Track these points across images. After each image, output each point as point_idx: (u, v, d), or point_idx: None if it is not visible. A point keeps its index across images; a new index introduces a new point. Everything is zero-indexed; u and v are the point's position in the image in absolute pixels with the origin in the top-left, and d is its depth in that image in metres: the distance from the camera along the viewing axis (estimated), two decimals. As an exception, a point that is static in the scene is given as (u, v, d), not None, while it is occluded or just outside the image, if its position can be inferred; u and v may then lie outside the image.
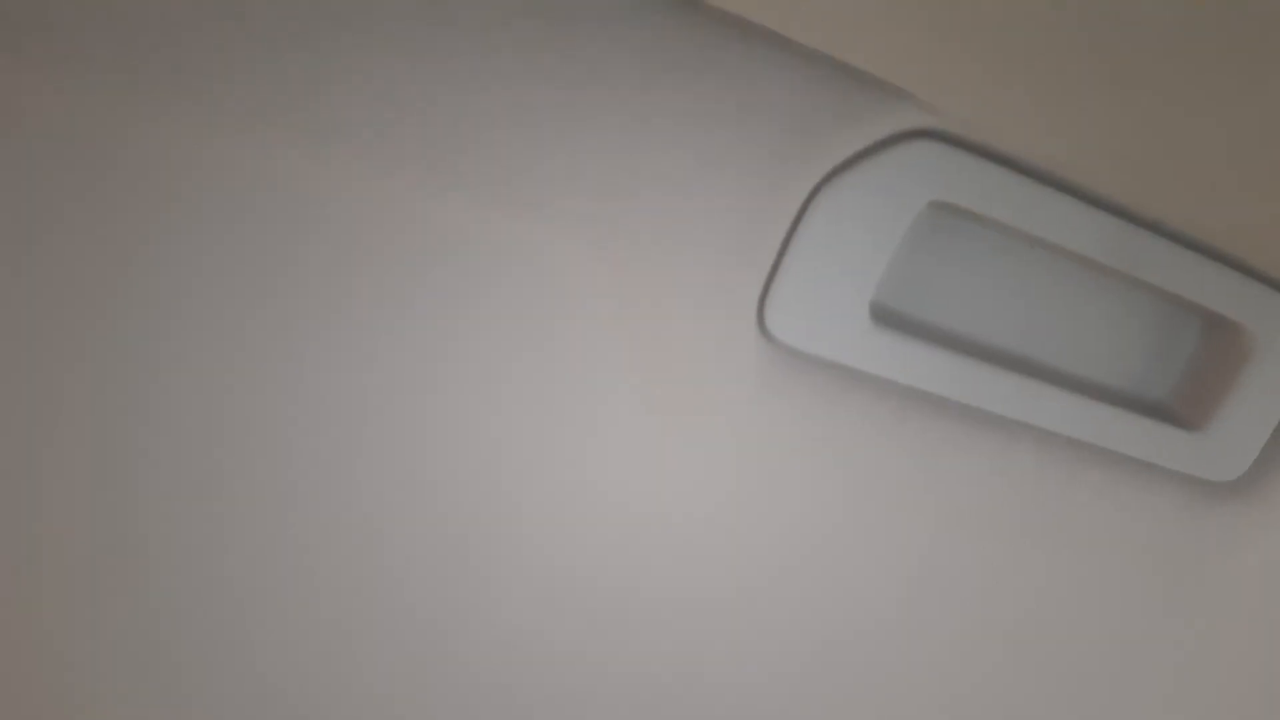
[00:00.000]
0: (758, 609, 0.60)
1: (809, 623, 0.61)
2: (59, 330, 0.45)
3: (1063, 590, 0.65)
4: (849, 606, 0.62)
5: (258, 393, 0.47)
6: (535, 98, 0.44)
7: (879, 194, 0.50)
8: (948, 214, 0.55)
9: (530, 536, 0.54)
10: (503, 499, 0.53)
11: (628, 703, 0.60)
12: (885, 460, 0.57)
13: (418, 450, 0.51)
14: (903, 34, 0.43)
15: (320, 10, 0.41)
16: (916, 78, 0.46)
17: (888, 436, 0.57)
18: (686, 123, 0.46)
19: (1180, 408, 0.63)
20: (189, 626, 0.51)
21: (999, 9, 0.41)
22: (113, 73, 0.41)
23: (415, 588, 0.54)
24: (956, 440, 0.58)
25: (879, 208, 0.50)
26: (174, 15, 0.40)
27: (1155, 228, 0.56)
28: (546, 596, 0.56)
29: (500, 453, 0.52)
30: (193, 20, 0.40)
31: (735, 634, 0.60)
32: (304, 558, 0.51)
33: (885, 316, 0.56)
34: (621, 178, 0.47)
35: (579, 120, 0.45)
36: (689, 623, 0.59)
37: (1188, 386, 0.63)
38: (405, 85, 0.43)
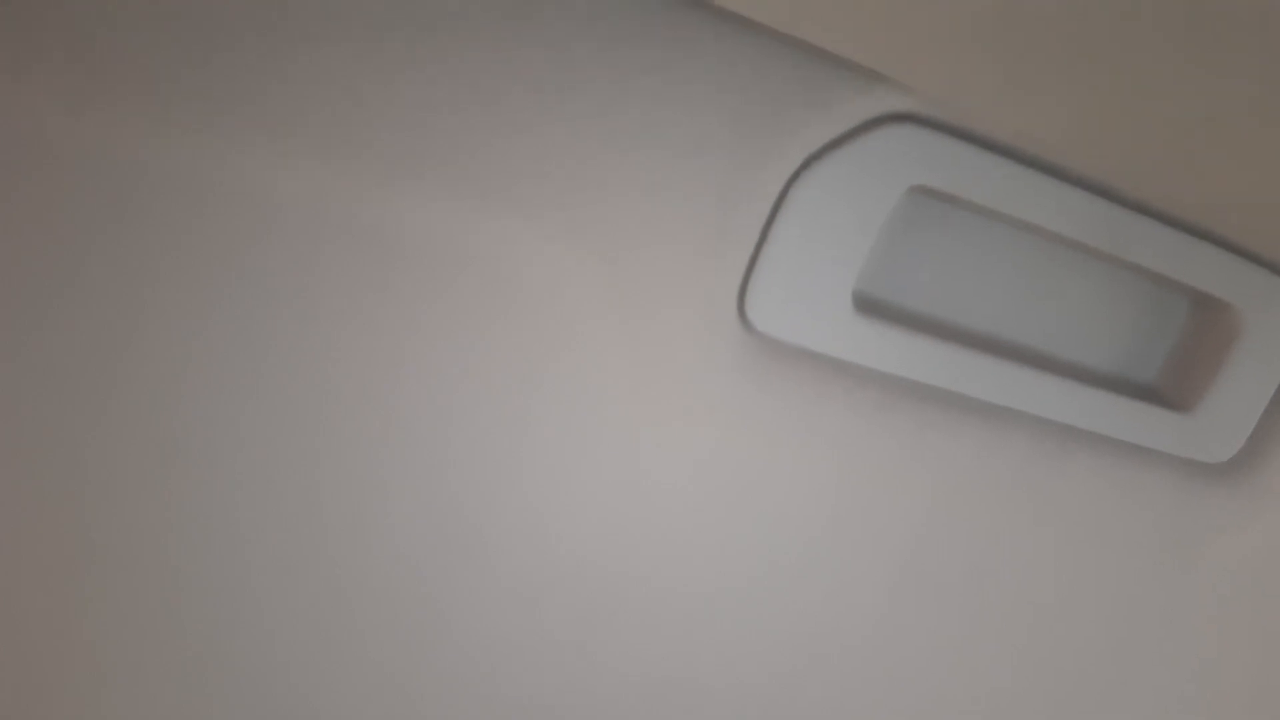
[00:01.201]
0: (748, 600, 0.60)
1: (800, 613, 0.61)
2: (73, 340, 0.44)
3: (1056, 574, 0.64)
4: (841, 594, 0.61)
5: (266, 402, 0.47)
6: (507, 92, 0.44)
7: (857, 180, 0.49)
8: (929, 199, 0.54)
9: (514, 531, 0.54)
10: (485, 493, 0.52)
11: (628, 696, 0.60)
12: (873, 448, 0.57)
13: (403, 447, 0.50)
14: (873, 15, 0.42)
15: (287, 11, 0.41)
16: (889, 59, 0.45)
17: (875, 424, 0.56)
18: (660, 114, 0.46)
19: (1170, 389, 0.62)
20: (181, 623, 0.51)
21: None
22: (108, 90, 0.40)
23: (405, 586, 0.54)
24: (945, 426, 0.57)
25: (858, 194, 0.50)
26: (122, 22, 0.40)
27: (1139, 207, 0.55)
28: (532, 593, 0.56)
29: (482, 448, 0.51)
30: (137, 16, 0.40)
31: (725, 628, 0.60)
32: (303, 555, 0.51)
33: (868, 305, 0.56)
34: (597, 171, 0.46)
35: (552, 114, 0.45)
36: (679, 617, 0.59)
37: (1177, 368, 0.62)
38: (370, 85, 0.43)
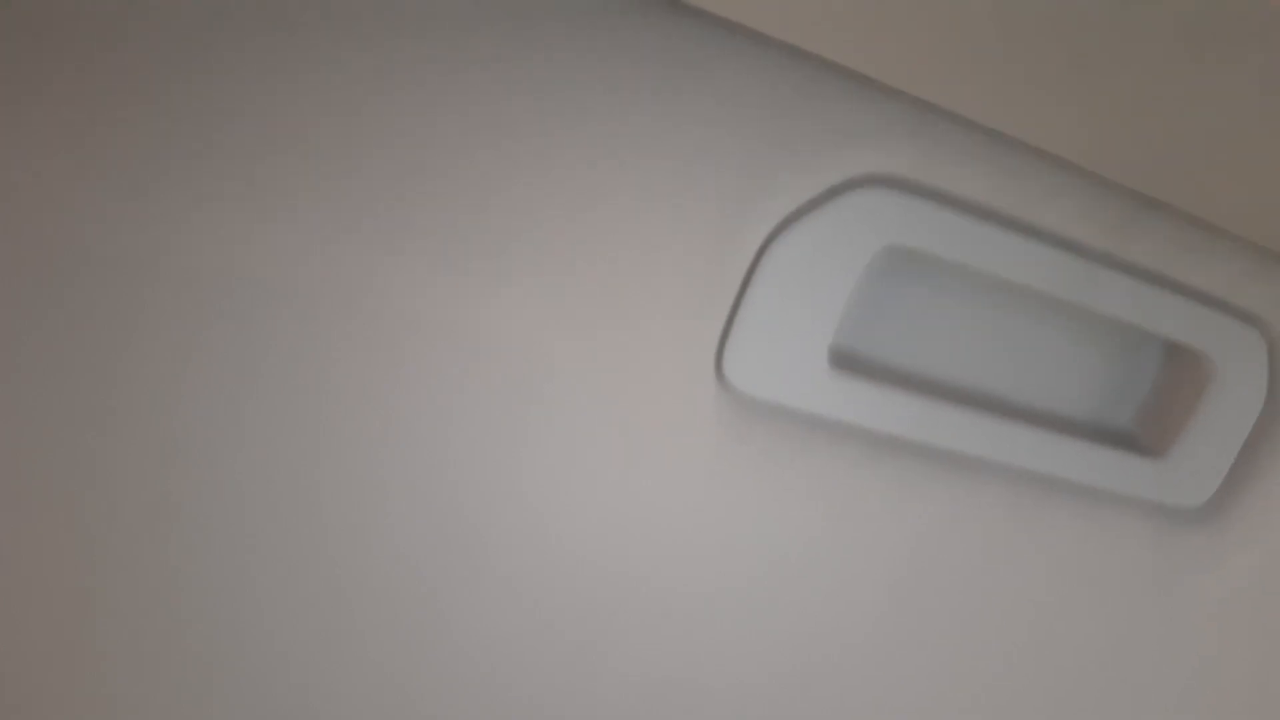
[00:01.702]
0: (726, 659, 0.61)
1: (784, 657, 0.62)
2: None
3: (1035, 621, 0.65)
4: (822, 643, 0.62)
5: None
6: (486, 153, 0.46)
7: (831, 241, 0.50)
8: (903, 256, 0.55)
9: (503, 594, 0.56)
10: (473, 562, 0.54)
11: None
12: (853, 501, 0.58)
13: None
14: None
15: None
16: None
17: (854, 478, 0.57)
18: (641, 178, 0.47)
19: (1144, 435, 0.64)
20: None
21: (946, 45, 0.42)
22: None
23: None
24: (923, 479, 0.58)
25: (832, 254, 0.51)
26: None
27: (1110, 260, 0.56)
28: (523, 651, 0.57)
29: (467, 516, 0.53)
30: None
31: (695, 687, 0.61)
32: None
33: (845, 360, 0.56)
34: (577, 232, 0.48)
35: (532, 176, 0.47)
36: (662, 669, 0.60)
37: (1150, 414, 0.63)
38: (354, 154, 0.44)
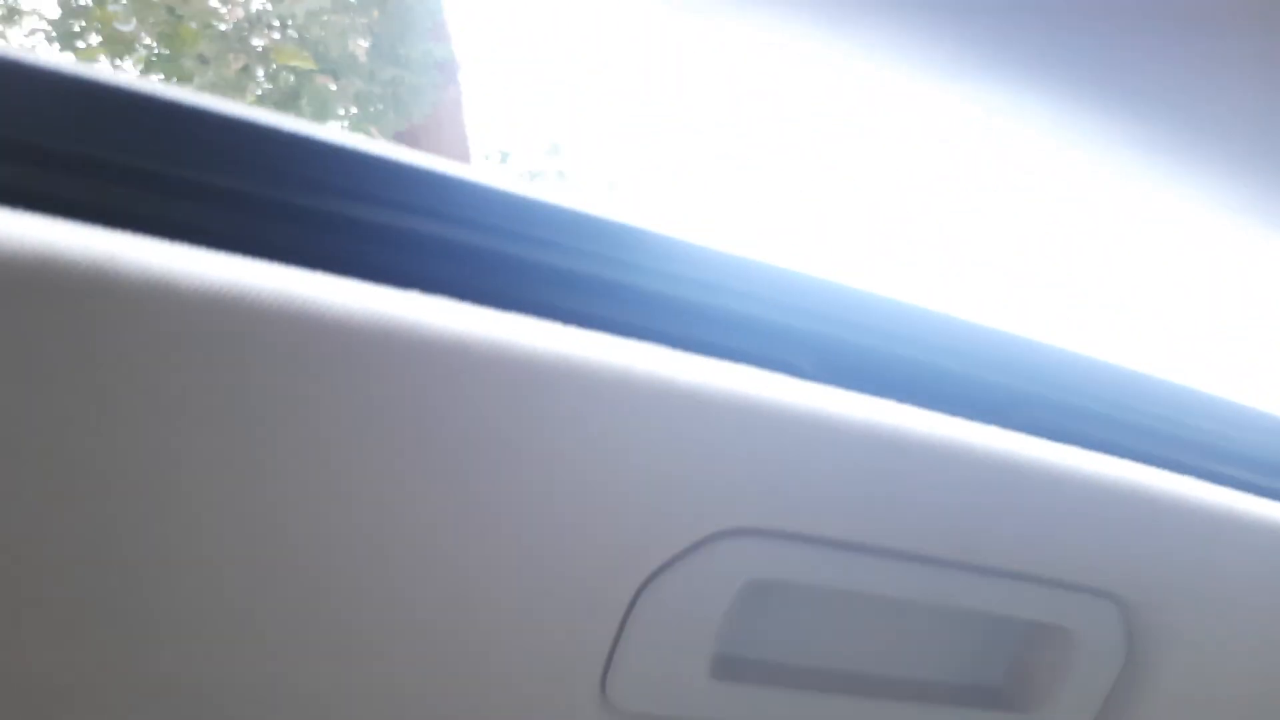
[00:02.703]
0: None
1: None
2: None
3: None
4: None
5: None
6: None
7: (700, 583, 0.55)
8: (769, 584, 0.59)
9: None
10: None
11: None
12: None
13: None
14: None
15: None
16: None
17: None
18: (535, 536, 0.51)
19: (1012, 695, 0.69)
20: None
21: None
22: None
23: None
24: None
25: (702, 593, 0.56)
26: None
27: (963, 565, 0.61)
28: None
29: None
30: None
31: None
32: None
33: (726, 667, 0.60)
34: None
35: None
36: None
37: (1015, 675, 0.68)
38: None
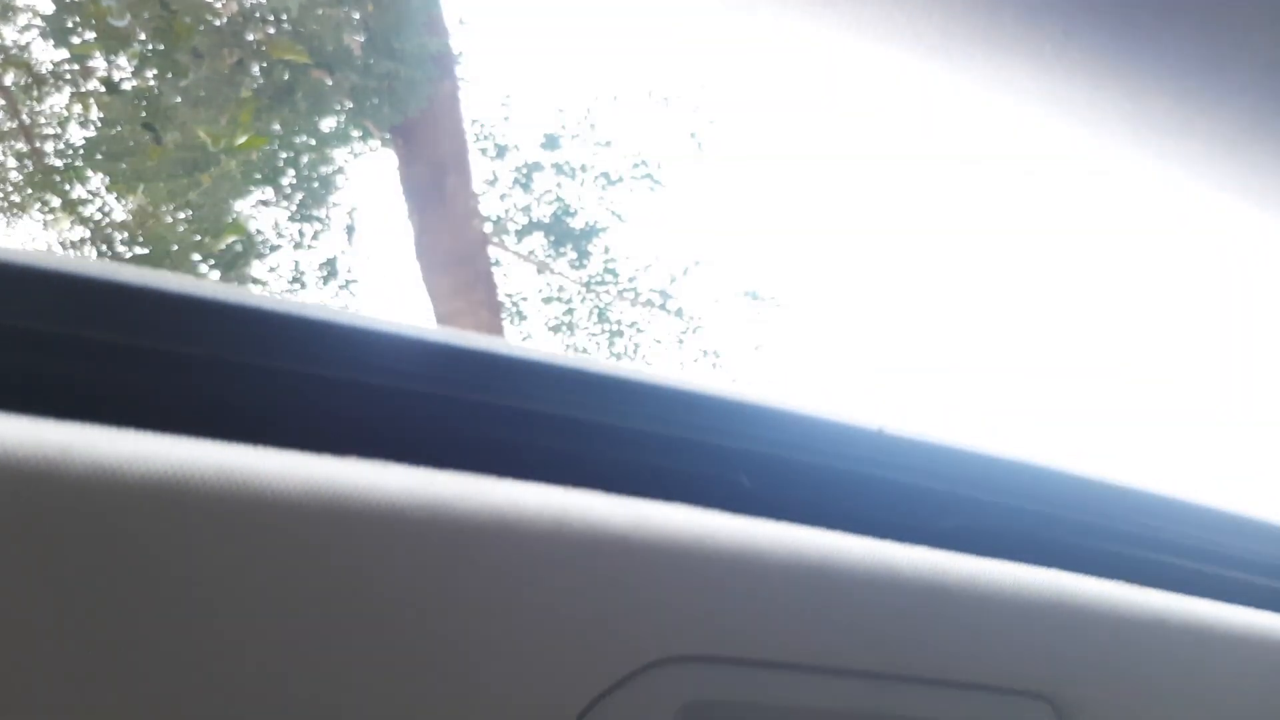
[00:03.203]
0: None
1: None
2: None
3: None
4: None
5: None
6: None
7: (640, 707, 0.57)
8: (709, 702, 0.61)
9: None
10: None
11: None
12: None
13: None
14: None
15: None
16: None
17: None
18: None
19: None
20: None
21: None
22: None
23: None
24: None
25: (642, 717, 0.58)
26: None
27: (899, 677, 0.63)
28: None
29: None
30: None
31: None
32: None
33: None
34: None
35: None
36: None
37: None
38: None
